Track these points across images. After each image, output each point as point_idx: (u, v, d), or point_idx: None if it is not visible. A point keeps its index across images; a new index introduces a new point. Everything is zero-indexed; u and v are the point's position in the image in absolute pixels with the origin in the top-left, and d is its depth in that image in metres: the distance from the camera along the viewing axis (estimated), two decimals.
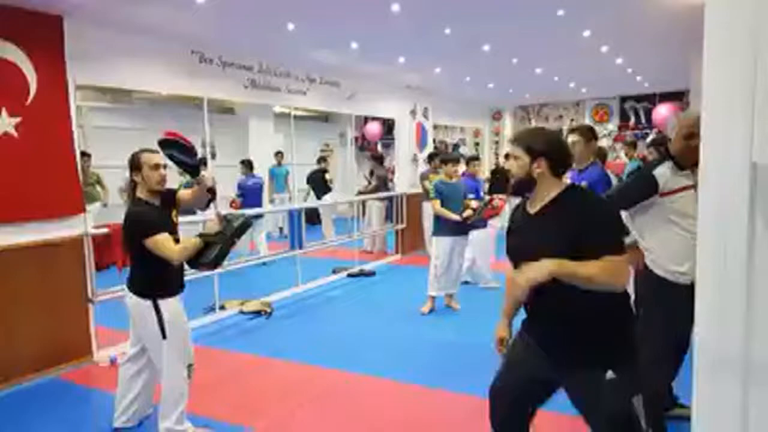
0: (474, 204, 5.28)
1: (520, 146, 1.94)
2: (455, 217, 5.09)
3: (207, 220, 2.92)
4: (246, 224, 2.96)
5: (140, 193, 2.88)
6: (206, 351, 4.43)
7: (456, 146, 13.14)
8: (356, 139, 11.76)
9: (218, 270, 5.46)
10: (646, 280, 2.63)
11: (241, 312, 5.35)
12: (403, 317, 5.21)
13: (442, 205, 5.16)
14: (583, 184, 3.27)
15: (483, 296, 5.88)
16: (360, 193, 8.98)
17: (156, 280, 2.84)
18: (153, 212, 2.84)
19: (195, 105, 5.85)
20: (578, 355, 1.89)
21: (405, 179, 8.48)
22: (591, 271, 1.73)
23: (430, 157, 7.99)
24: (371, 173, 9.07)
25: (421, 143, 8.79)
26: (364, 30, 5.08)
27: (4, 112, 3.59)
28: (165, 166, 2.90)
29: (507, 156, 6.45)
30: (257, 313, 5.31)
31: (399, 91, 8.24)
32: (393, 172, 9.20)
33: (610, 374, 1.84)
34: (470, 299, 5.73)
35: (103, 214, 6.48)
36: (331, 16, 4.59)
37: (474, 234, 5.53)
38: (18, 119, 3.66)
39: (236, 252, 6.45)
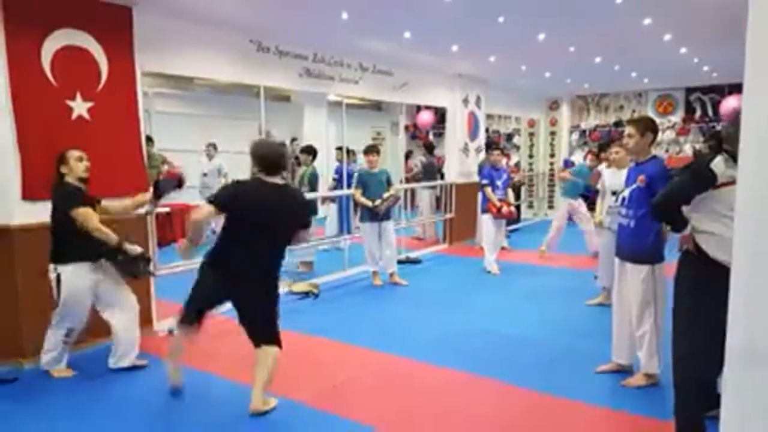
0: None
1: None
2: (368, 203, 5.76)
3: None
4: (136, 263, 3.59)
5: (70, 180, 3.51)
6: None
7: (510, 136, 12.95)
8: (407, 127, 11.81)
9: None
10: (697, 266, 2.57)
11: (290, 292, 5.55)
12: (444, 305, 5.28)
13: (363, 194, 5.84)
14: (641, 177, 3.22)
15: (533, 289, 5.87)
16: (407, 180, 9.06)
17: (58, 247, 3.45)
18: (81, 191, 3.51)
19: (253, 93, 6.07)
20: None
21: (454, 169, 8.46)
22: None
23: (487, 146, 7.97)
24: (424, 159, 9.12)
25: (473, 133, 8.73)
26: (418, 19, 5.11)
27: (78, 97, 3.88)
28: (88, 159, 3.57)
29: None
30: (305, 294, 5.50)
31: (451, 80, 8.21)
32: (443, 161, 9.19)
33: None
34: (517, 289, 5.75)
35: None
36: (384, 6, 4.65)
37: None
38: (90, 103, 3.94)
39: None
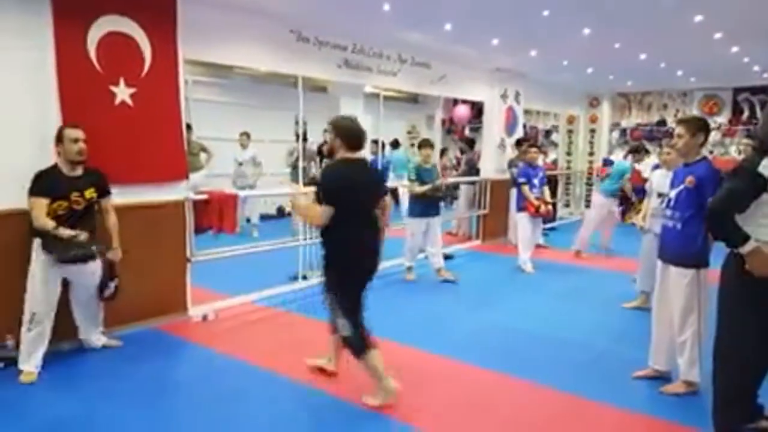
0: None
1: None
2: (426, 188, 5.73)
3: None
4: (84, 254, 3.35)
5: (59, 161, 3.38)
6: (287, 315, 4.71)
7: (548, 133, 12.70)
8: (443, 122, 11.69)
9: (305, 242, 5.75)
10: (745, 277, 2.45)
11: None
12: (477, 302, 5.22)
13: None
14: (689, 179, 3.09)
15: (576, 289, 5.75)
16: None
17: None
18: (54, 177, 3.33)
19: (290, 83, 6.09)
20: None
21: (490, 164, 8.34)
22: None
23: (518, 143, 7.86)
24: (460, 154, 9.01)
25: (510, 128, 8.57)
26: (460, 11, 5.02)
27: (122, 83, 3.95)
28: (85, 141, 3.41)
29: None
30: None
31: (489, 74, 8.08)
32: (479, 157, 9.09)
33: None
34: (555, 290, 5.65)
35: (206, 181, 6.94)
36: None
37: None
38: (133, 90, 4.01)
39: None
